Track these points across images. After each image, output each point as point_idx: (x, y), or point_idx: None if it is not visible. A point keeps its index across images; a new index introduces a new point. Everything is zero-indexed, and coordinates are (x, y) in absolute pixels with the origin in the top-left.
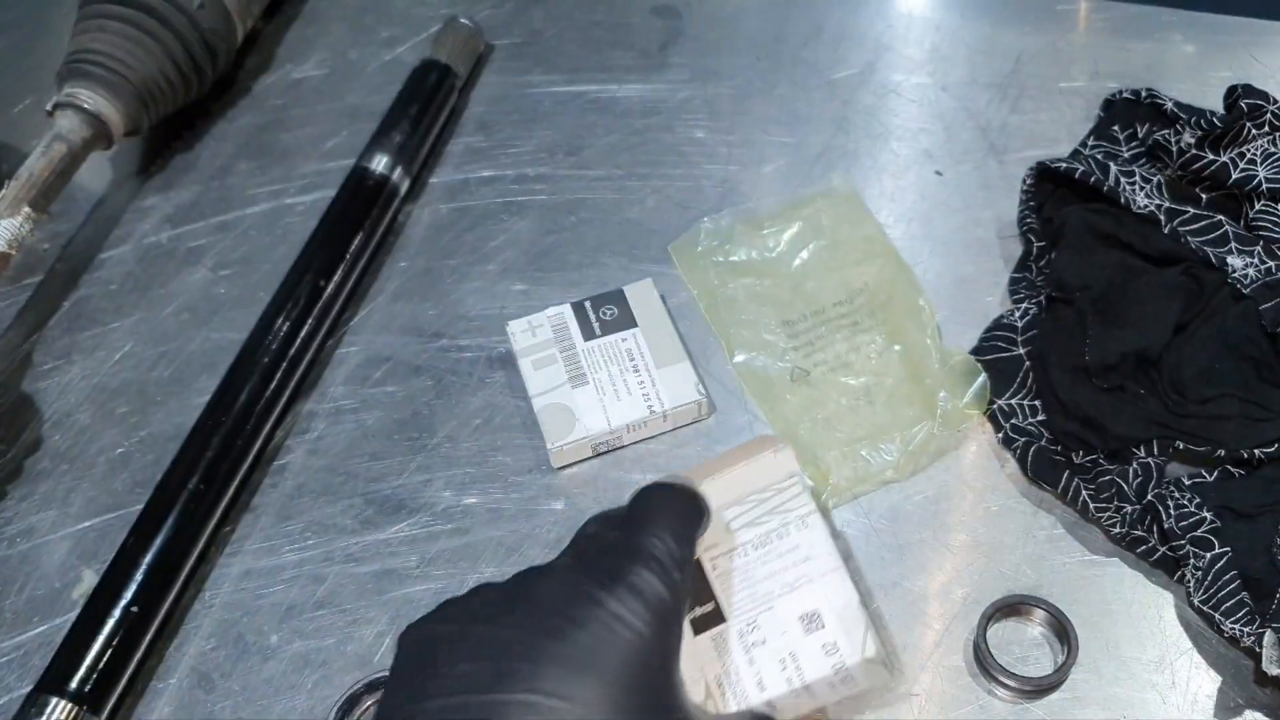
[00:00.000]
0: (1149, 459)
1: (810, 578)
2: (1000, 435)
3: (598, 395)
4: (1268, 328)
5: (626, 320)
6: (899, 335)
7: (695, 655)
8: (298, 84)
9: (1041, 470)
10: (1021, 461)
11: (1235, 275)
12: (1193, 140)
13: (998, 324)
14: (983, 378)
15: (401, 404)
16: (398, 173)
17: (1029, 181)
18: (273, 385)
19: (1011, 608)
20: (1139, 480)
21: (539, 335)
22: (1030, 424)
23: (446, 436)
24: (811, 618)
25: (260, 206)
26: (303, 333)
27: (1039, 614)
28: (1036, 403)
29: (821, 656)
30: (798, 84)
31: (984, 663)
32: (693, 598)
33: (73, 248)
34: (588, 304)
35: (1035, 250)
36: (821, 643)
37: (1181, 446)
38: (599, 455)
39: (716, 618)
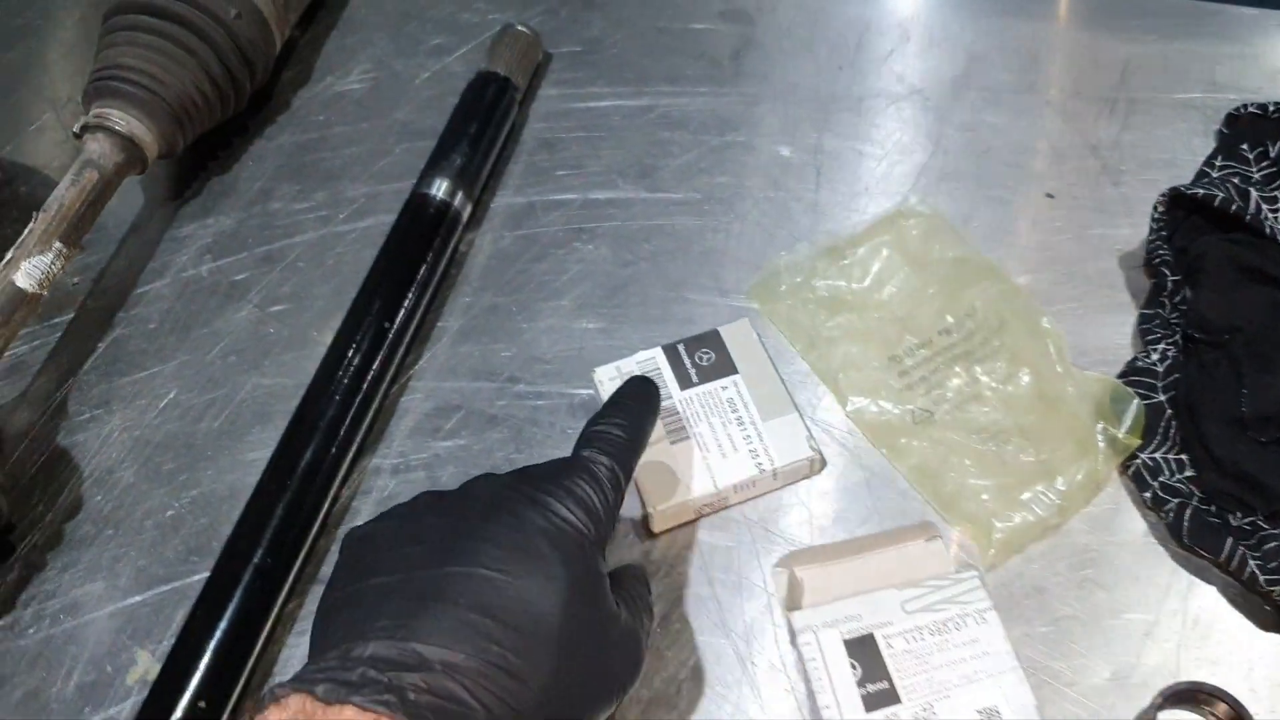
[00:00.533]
0: None
1: (989, 673)
2: (1148, 495)
3: (700, 452)
4: None
5: (725, 366)
6: (1023, 362)
7: None
8: (340, 98)
9: (1201, 536)
10: (1175, 526)
11: None
12: None
13: (1133, 368)
14: (1136, 402)
15: (477, 457)
16: (459, 198)
17: (1160, 209)
18: (338, 442)
19: (1183, 695)
20: None
21: None
22: (1179, 481)
23: None
24: (990, 713)
25: (307, 235)
26: (367, 380)
27: (1220, 706)
28: (1183, 457)
29: None
30: (886, 96)
31: None
32: (866, 674)
33: (105, 282)
34: (681, 347)
35: (1170, 285)
36: None
37: None
38: (701, 518)
39: (890, 697)
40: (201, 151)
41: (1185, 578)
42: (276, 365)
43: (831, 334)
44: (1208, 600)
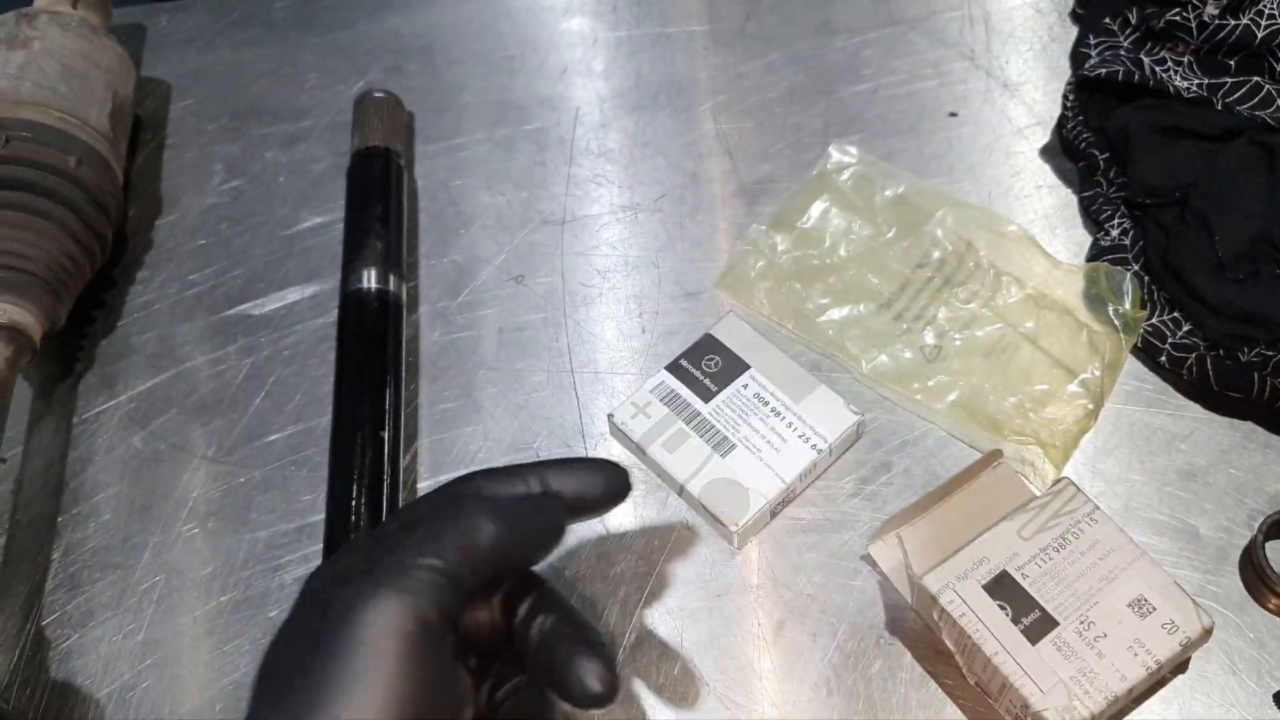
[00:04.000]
0: None
1: (1121, 568)
2: (1163, 359)
3: (753, 454)
4: None
5: (735, 365)
6: (1004, 272)
7: (1041, 662)
8: (205, 218)
9: (1230, 379)
10: (1202, 377)
11: None
12: (1216, 11)
13: (1101, 249)
14: (1130, 277)
15: None
16: (393, 283)
17: (1071, 97)
18: None
19: None
20: None
21: (653, 414)
22: (1184, 338)
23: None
24: (1140, 603)
25: (234, 370)
26: (384, 499)
27: None
28: (1176, 315)
29: (1165, 636)
30: (762, 61)
31: (1258, 568)
32: (1017, 610)
33: (28, 491)
34: (684, 362)
35: (1101, 164)
36: (1160, 623)
37: None
38: (775, 517)
39: (1048, 622)
40: (77, 319)
41: (1223, 422)
42: (265, 513)
43: (818, 302)
44: (1259, 441)
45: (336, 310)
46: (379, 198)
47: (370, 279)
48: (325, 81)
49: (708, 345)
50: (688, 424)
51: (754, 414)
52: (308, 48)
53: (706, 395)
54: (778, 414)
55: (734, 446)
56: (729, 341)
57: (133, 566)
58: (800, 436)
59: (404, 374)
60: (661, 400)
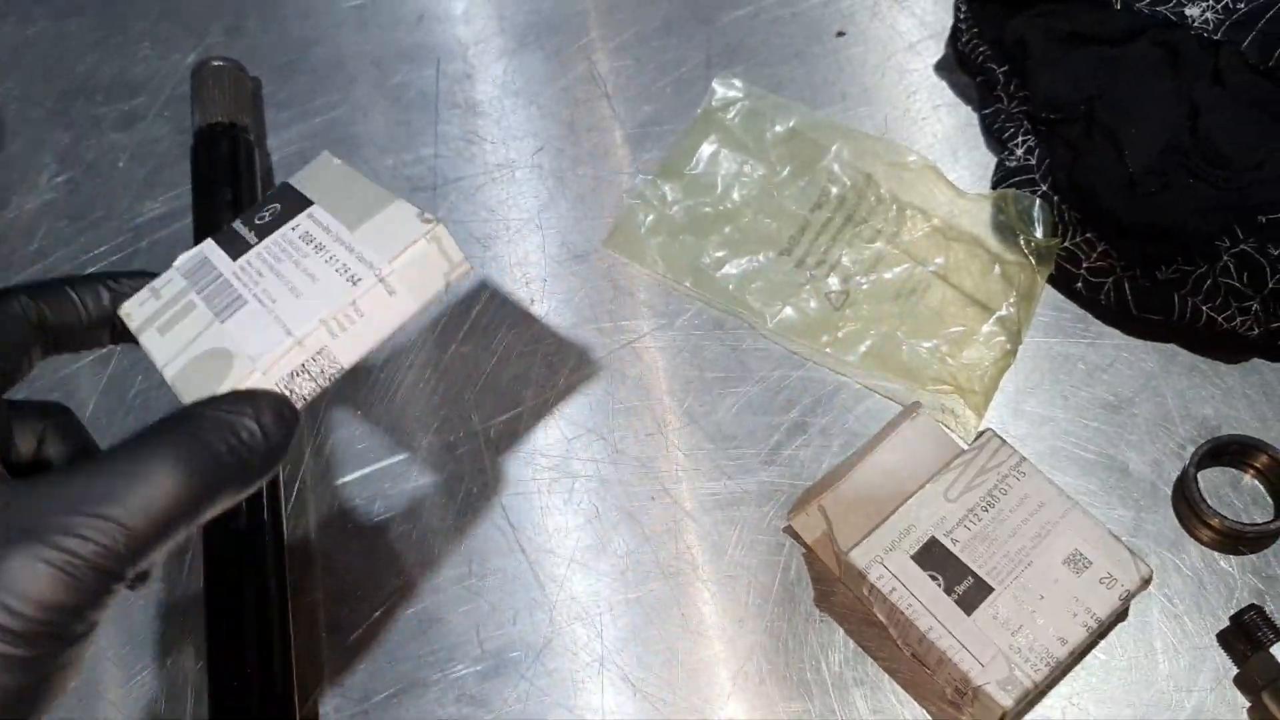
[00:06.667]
0: (1241, 246)
1: (1053, 522)
2: (1079, 285)
3: (264, 308)
4: (1259, 66)
5: (295, 207)
6: (908, 206)
7: (978, 632)
8: (41, 216)
9: (1148, 302)
10: (1121, 302)
11: (1196, 25)
12: None
13: (1007, 170)
14: (1038, 203)
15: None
16: None
17: (963, 7)
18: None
19: (1219, 451)
20: (1247, 271)
21: (165, 293)
22: (1099, 260)
23: None
24: (1075, 559)
25: (90, 379)
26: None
27: (1260, 458)
28: (1088, 237)
29: (1104, 591)
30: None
31: (1191, 501)
32: (949, 579)
33: None
34: (237, 225)
35: (1000, 78)
36: (1098, 578)
37: (1265, 220)
38: (303, 398)
39: (982, 589)
40: None
41: (1145, 347)
42: None
43: (715, 255)
44: (1181, 367)
45: None
46: (226, 182)
47: None
48: (159, 50)
49: (276, 196)
50: (201, 293)
51: (289, 258)
52: (135, 13)
53: (239, 250)
54: (320, 249)
55: (243, 304)
56: (305, 185)
57: None
58: (340, 270)
59: None
60: (184, 274)
